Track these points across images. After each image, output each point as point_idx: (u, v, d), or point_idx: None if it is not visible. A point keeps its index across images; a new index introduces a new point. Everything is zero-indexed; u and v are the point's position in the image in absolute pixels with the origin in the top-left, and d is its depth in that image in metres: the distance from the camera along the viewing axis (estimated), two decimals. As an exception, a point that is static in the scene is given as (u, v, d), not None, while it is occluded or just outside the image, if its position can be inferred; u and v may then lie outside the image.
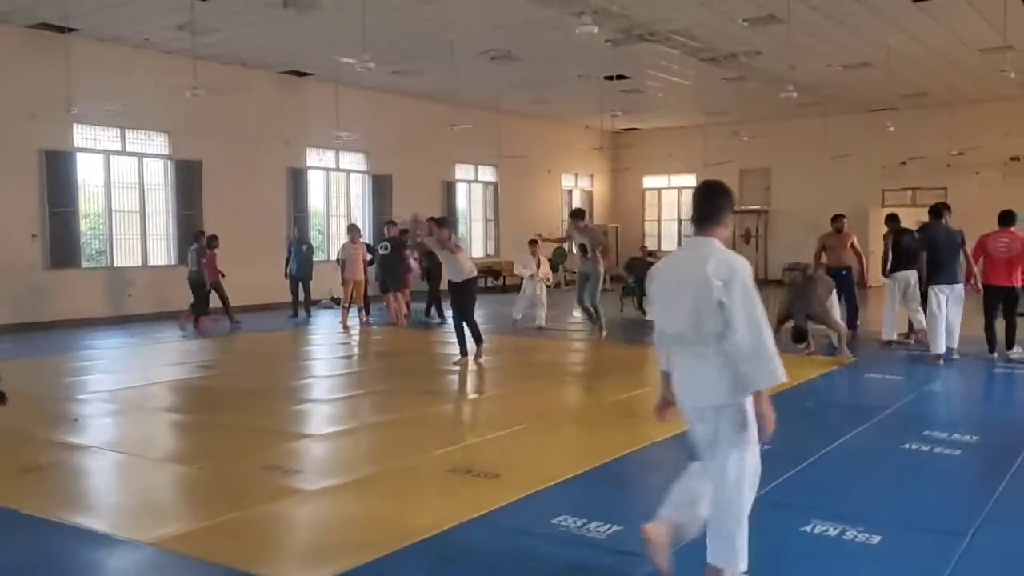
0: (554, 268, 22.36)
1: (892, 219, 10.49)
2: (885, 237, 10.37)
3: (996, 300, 8.79)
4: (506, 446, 5.58)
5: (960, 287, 8.86)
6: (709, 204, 3.25)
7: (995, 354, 8.79)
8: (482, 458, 5.23)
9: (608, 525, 3.93)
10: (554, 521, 4.00)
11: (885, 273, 10.21)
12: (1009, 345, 8.89)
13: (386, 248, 13.33)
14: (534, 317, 12.64)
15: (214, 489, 4.77)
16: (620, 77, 16.70)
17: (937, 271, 8.86)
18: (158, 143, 14.59)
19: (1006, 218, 8.94)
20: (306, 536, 4.08)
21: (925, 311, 9.37)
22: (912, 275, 9.72)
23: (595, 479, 4.82)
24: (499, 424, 6.14)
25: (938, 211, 9.30)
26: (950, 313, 8.82)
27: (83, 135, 13.59)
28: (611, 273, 18.80)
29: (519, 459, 5.21)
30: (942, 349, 8.71)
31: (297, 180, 16.76)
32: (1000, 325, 8.80)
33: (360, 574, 3.47)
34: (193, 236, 13.54)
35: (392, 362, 8.96)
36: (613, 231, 24.55)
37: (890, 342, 10.07)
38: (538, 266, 13.09)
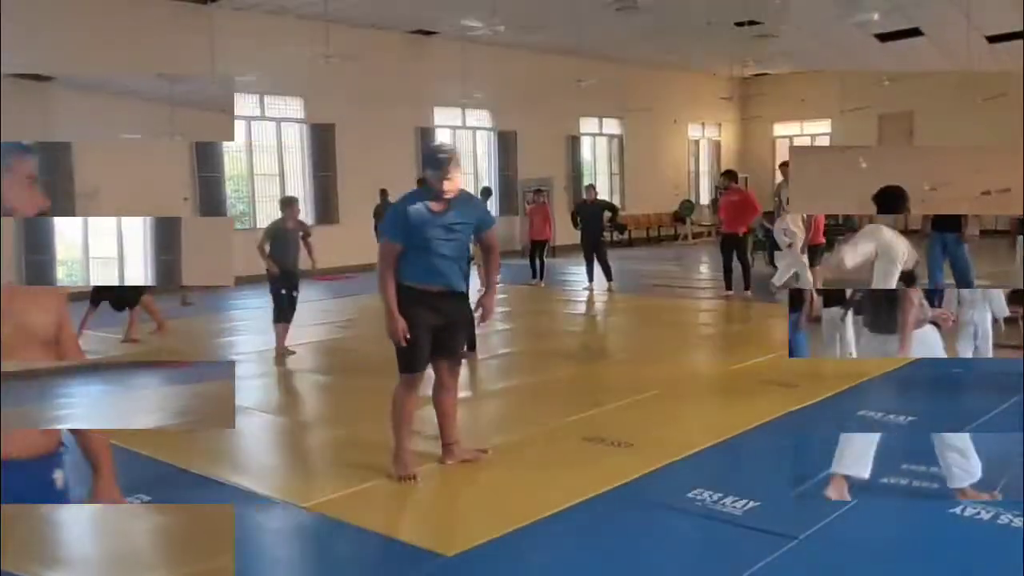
0: (681, 220, 22.04)
1: None
2: None
3: None
4: (638, 413, 5.52)
5: None
6: None
7: None
8: (614, 426, 5.18)
9: (745, 501, 3.88)
10: (690, 495, 3.97)
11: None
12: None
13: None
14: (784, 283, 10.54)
15: (359, 454, 4.84)
16: (751, 23, 16.03)
17: None
18: (294, 108, 15.12)
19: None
20: (443, 506, 4.21)
21: None
22: None
23: (730, 450, 4.75)
24: (630, 390, 6.09)
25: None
26: None
27: (225, 102, 14.21)
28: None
29: (652, 428, 5.17)
30: None
31: (425, 140, 17.02)
32: None
33: (497, 545, 3.53)
34: (535, 192, 14.21)
35: (519, 324, 9.04)
36: (743, 181, 23.75)
37: None
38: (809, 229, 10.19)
